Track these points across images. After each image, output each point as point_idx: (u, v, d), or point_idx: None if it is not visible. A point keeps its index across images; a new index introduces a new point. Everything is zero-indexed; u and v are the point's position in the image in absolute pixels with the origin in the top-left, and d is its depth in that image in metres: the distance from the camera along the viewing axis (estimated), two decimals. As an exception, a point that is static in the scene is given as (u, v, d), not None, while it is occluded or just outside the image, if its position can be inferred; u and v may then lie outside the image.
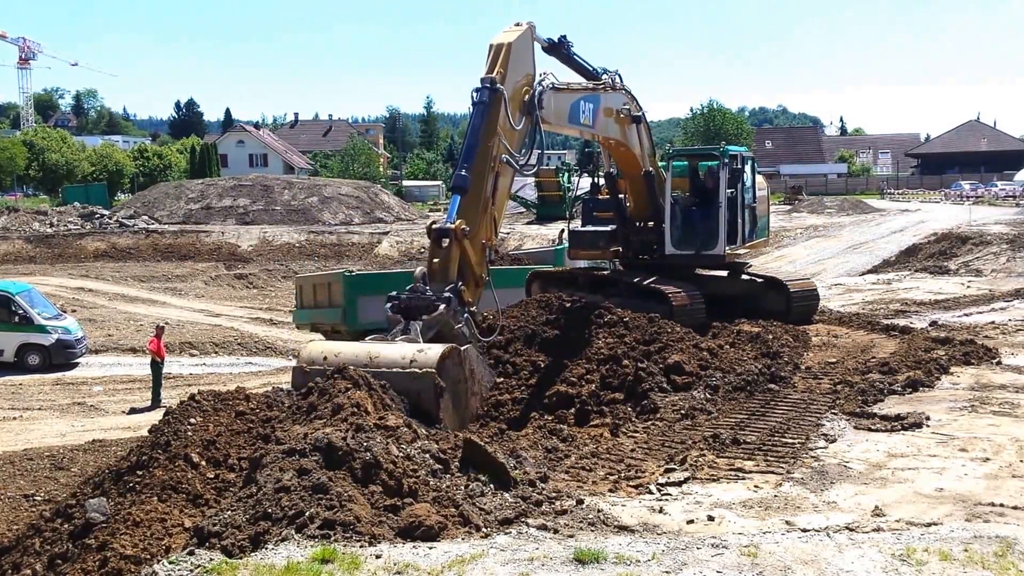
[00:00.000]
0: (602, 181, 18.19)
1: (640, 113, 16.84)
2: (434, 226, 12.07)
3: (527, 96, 12.94)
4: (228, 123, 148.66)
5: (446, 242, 11.71)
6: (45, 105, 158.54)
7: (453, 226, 11.62)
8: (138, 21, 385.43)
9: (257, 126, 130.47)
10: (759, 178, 18.97)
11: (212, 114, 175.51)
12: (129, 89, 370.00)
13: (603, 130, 15.79)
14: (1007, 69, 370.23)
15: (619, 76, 16.27)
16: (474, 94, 12.28)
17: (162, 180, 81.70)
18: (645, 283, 16.36)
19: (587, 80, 15.61)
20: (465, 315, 11.86)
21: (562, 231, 40.98)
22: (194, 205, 62.10)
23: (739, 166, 17.27)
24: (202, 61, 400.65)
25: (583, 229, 18.44)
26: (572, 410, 12.29)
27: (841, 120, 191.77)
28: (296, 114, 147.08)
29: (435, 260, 11.83)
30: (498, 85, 12.22)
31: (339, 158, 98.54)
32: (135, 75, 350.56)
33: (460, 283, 11.71)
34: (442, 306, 11.30)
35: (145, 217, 59.07)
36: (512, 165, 12.77)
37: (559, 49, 14.87)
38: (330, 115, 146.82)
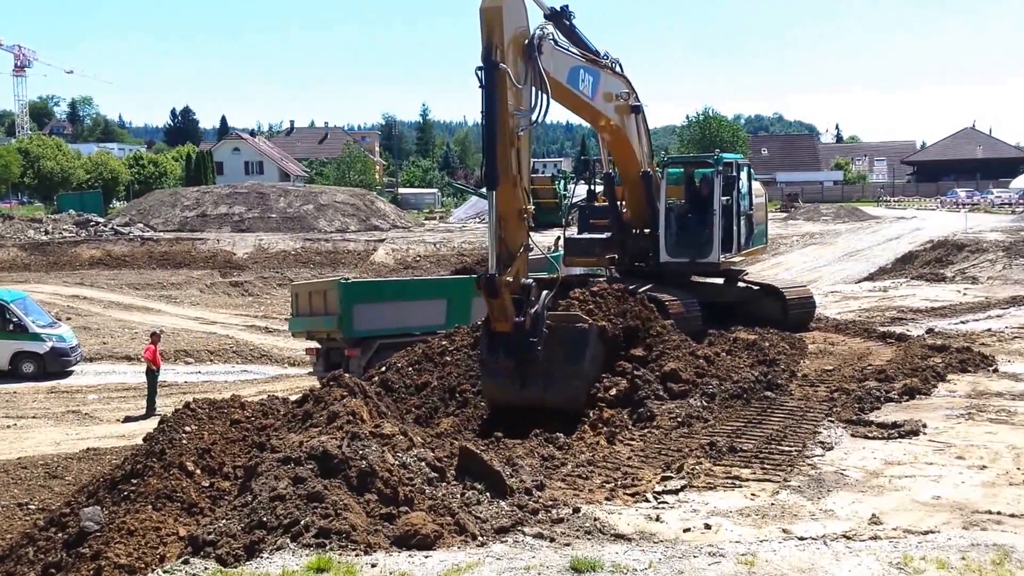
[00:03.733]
0: (600, 188, 18.16)
1: (639, 104, 16.58)
2: (482, 280, 12.01)
3: (526, 41, 12.47)
4: (224, 131, 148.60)
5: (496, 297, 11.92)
6: (40, 113, 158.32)
7: (497, 281, 11.76)
8: (134, 29, 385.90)
9: (253, 134, 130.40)
10: (756, 185, 18.97)
11: (208, 122, 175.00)
12: (125, 97, 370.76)
13: (602, 106, 15.45)
14: (1003, 76, 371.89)
15: (619, 65, 16.08)
16: (478, 73, 11.98)
17: (157, 188, 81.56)
18: (641, 291, 16.35)
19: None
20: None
21: (558, 238, 40.89)
22: (189, 213, 62.01)
23: (734, 173, 17.25)
24: (198, 69, 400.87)
25: (579, 236, 18.44)
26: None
27: (837, 127, 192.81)
28: (292, 122, 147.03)
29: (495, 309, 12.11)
30: (500, 64, 11.78)
31: (335, 166, 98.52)
32: (131, 83, 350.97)
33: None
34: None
35: (140, 225, 58.96)
36: (529, 128, 12.62)
37: (560, 19, 14.42)
38: (326, 123, 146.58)
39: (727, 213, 16.98)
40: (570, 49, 14.42)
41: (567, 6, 14.56)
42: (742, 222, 17.45)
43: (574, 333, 12.80)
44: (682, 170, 18.42)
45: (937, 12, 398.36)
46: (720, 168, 16.83)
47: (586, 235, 18.31)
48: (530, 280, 12.43)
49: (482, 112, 12.05)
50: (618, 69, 16.07)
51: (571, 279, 18.88)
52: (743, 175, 17.63)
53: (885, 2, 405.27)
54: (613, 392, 12.51)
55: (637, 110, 16.57)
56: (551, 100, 12.88)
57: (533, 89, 12.56)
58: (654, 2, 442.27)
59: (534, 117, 12.63)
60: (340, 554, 6.59)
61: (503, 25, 11.85)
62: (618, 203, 17.70)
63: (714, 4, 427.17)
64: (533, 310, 12.18)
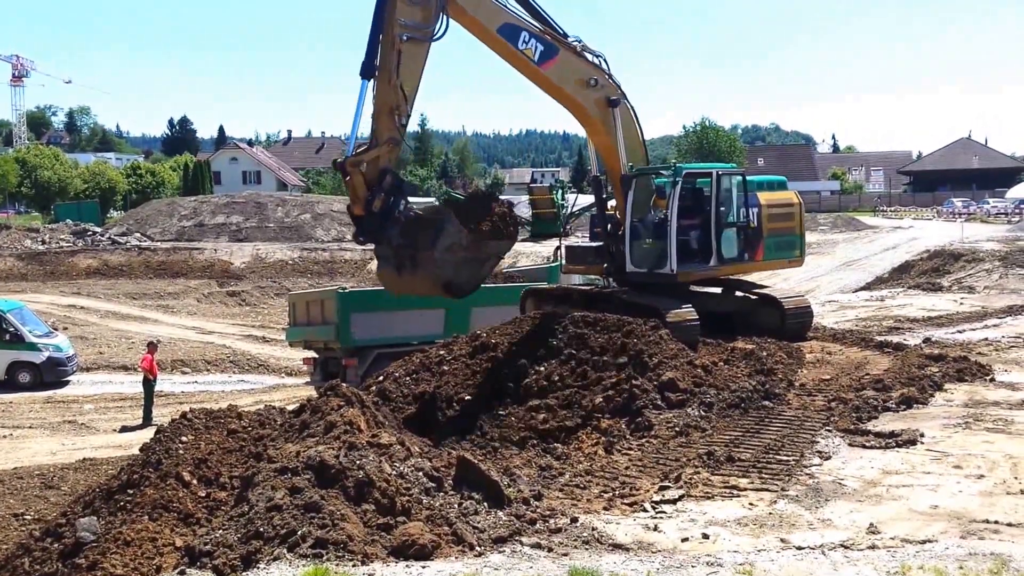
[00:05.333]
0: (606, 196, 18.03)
1: (617, 97, 16.45)
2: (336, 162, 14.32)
3: None
4: (221, 140, 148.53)
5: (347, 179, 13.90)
6: (38, 123, 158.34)
7: (347, 161, 13.61)
8: (132, 39, 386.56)
9: (250, 143, 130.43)
10: (786, 193, 18.57)
11: (205, 131, 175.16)
12: (122, 107, 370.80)
13: (557, 77, 15.78)
14: (999, 87, 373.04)
15: (604, 60, 16.33)
16: None
17: (155, 197, 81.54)
18: (639, 300, 16.35)
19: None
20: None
21: (557, 248, 40.97)
22: (187, 222, 61.98)
23: (713, 183, 16.72)
24: (195, 79, 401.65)
25: (576, 244, 18.45)
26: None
27: (833, 138, 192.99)
28: (289, 131, 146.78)
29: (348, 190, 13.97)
30: None
31: (332, 175, 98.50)
32: (128, 93, 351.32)
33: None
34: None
35: (137, 234, 58.92)
36: (417, 37, 13.89)
37: None
38: (323, 132, 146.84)
39: (703, 224, 16.80)
40: (519, 13, 15.33)
41: None
42: (728, 233, 17.12)
43: (433, 218, 14.08)
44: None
45: (933, 22, 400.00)
46: (677, 179, 16.44)
47: (582, 243, 18.28)
48: (387, 167, 13.74)
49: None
50: (590, 58, 16.21)
51: (570, 289, 18.92)
52: (732, 185, 17.23)
53: (881, 14, 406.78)
54: (600, 399, 12.51)
55: (615, 103, 16.44)
56: (489, 48, 14.92)
57: (441, 15, 14.12)
58: (652, 14, 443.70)
59: (425, 33, 14.00)
60: (337, 564, 6.57)
61: None
62: (607, 209, 17.61)
63: (712, 16, 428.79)
64: (393, 199, 13.61)
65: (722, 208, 17.03)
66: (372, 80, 13.76)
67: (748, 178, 17.71)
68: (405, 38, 13.74)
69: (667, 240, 16.32)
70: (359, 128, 13.87)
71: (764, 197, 17.94)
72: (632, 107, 17.02)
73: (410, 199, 14.49)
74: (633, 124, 17.11)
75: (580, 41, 16.14)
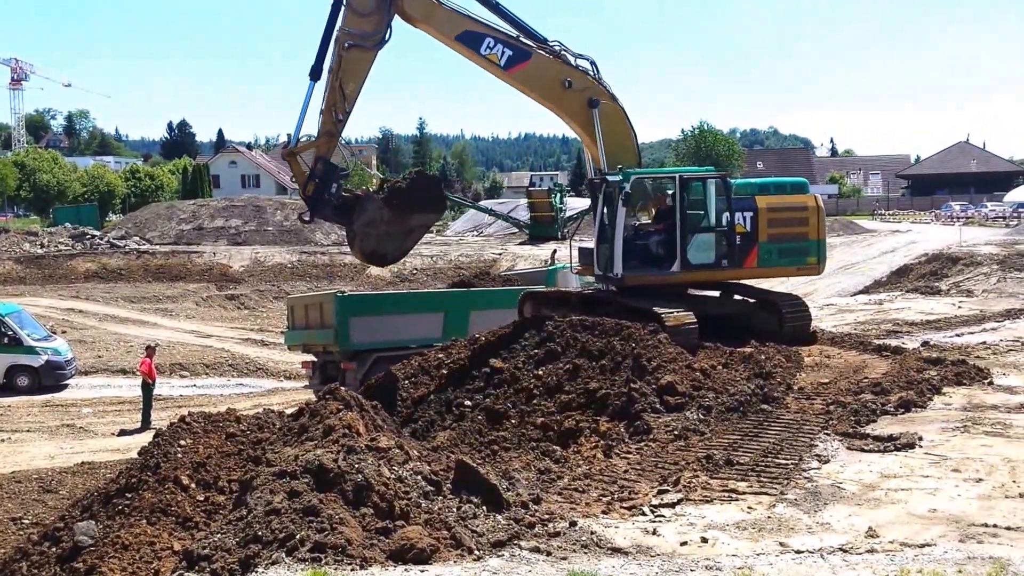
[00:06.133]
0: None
1: (597, 100, 16.65)
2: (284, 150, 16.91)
3: None
4: (220, 144, 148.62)
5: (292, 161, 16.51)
6: (37, 126, 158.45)
7: (289, 149, 16.31)
8: (131, 42, 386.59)
9: (250, 147, 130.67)
10: (799, 197, 17.86)
11: (204, 135, 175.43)
12: (121, 110, 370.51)
13: (526, 80, 16.56)
14: (997, 90, 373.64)
15: (592, 63, 16.77)
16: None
17: (154, 201, 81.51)
18: (637, 303, 16.35)
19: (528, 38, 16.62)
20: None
21: (555, 251, 40.91)
22: (186, 226, 61.96)
23: (674, 188, 16.59)
24: (195, 82, 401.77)
25: (585, 245, 18.41)
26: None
27: (832, 141, 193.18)
28: (288, 135, 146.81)
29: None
30: None
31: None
32: (128, 96, 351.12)
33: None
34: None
35: (136, 238, 58.89)
36: (361, 45, 15.81)
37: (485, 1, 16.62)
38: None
39: (671, 228, 16.59)
40: (489, 20, 16.48)
41: None
42: (702, 238, 16.85)
43: (358, 199, 16.50)
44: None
45: (933, 28, 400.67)
46: (622, 185, 16.33)
47: (589, 244, 18.26)
48: (321, 156, 16.12)
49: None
50: (573, 60, 16.64)
51: (569, 292, 18.91)
52: (709, 189, 16.89)
53: (880, 18, 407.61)
54: (598, 403, 12.50)
55: (594, 104, 16.64)
56: (464, 55, 16.28)
57: (388, 26, 15.88)
58: (652, 19, 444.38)
59: (372, 41, 15.85)
60: (336, 568, 6.57)
61: None
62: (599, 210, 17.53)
63: (712, 20, 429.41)
64: (326, 184, 16.08)
65: (692, 212, 16.76)
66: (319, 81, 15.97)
67: (764, 180, 17.58)
68: (348, 45, 15.71)
69: (611, 244, 16.32)
70: (303, 125, 16.39)
71: (765, 201, 17.47)
72: (623, 109, 17.10)
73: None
74: (621, 126, 17.15)
75: (560, 44, 16.67)
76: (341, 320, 21.15)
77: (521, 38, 16.50)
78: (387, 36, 15.92)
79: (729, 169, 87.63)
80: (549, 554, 7.44)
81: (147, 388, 22.24)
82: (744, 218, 17.24)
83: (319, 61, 15.80)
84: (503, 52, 16.26)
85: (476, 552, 7.38)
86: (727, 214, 16.84)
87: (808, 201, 17.78)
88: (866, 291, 34.88)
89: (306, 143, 16.17)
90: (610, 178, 16.46)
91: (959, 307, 25.91)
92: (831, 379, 14.43)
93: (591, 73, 16.81)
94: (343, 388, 10.55)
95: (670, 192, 16.80)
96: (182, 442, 10.04)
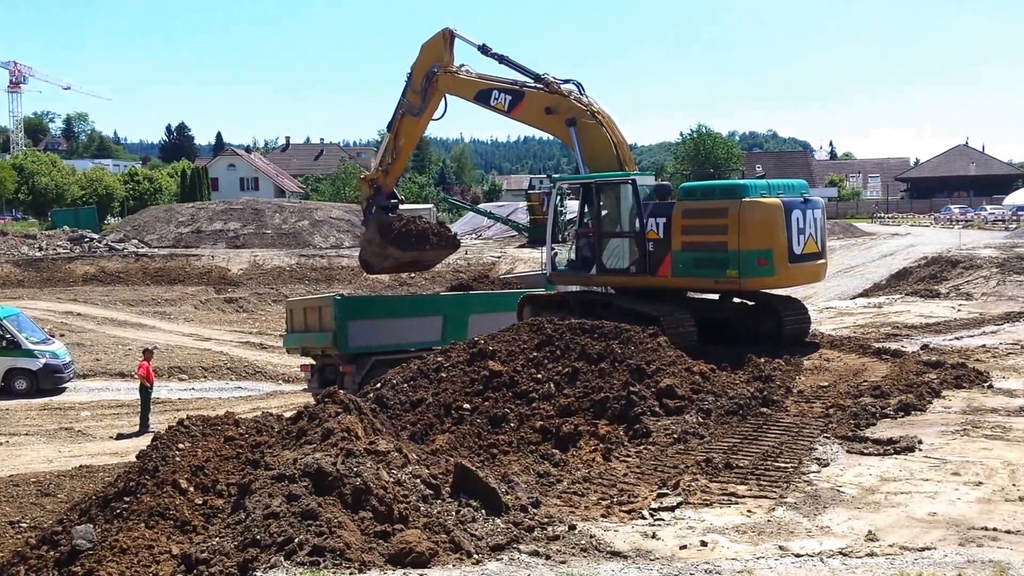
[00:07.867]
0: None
1: (574, 116, 18.45)
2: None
3: (427, 72, 21.10)
4: (219, 147, 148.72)
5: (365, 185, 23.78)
6: (35, 129, 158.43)
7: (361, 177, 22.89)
8: (130, 45, 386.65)
9: (248, 150, 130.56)
10: (723, 201, 16.15)
11: (203, 138, 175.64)
12: (120, 113, 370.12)
13: (525, 116, 19.80)
14: (996, 93, 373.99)
15: (578, 85, 19.02)
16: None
17: (152, 204, 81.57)
18: (636, 306, 16.36)
19: (529, 79, 19.67)
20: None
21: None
22: (184, 229, 61.94)
23: (607, 193, 17.27)
24: (194, 85, 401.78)
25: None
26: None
27: (831, 144, 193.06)
28: (287, 138, 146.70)
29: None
30: (409, 72, 21.65)
31: (330, 182, 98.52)
32: (126, 99, 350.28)
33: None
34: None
35: (135, 241, 58.85)
36: (412, 114, 21.80)
37: (487, 53, 20.49)
38: (321, 139, 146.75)
39: (594, 233, 17.29)
40: (484, 77, 20.58)
41: (485, 44, 20.70)
42: (614, 243, 17.11)
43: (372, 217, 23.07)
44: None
45: (932, 30, 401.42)
46: (550, 188, 17.80)
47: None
48: (374, 184, 23.21)
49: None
50: (559, 87, 18.91)
51: (568, 295, 18.93)
52: (624, 194, 16.98)
53: (879, 20, 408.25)
54: (597, 406, 12.52)
55: (571, 123, 18.47)
56: (483, 107, 20.23)
57: (441, 101, 21.44)
58: (650, 21, 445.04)
59: (424, 116, 21.74)
60: (334, 572, 6.56)
61: (421, 57, 21.39)
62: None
63: (711, 24, 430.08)
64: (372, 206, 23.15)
65: (632, 218, 16.90)
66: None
67: (697, 184, 18.19)
68: (401, 113, 22.02)
69: (546, 248, 18.30)
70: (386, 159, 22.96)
71: (682, 206, 16.40)
72: (601, 118, 18.39)
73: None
74: (599, 139, 18.26)
75: (547, 75, 19.21)
76: (340, 323, 21.14)
77: (518, 81, 19.79)
78: (443, 113, 21.58)
79: (727, 171, 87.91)
80: (548, 558, 7.42)
81: (145, 391, 22.20)
82: (657, 224, 16.44)
83: (393, 118, 22.31)
84: (506, 99, 19.85)
85: (475, 556, 7.36)
86: (638, 220, 16.74)
87: (729, 206, 15.73)
88: (865, 294, 34.89)
89: (369, 174, 23.98)
90: (541, 186, 18.62)
91: (958, 310, 25.91)
92: (830, 382, 14.43)
93: (575, 94, 18.84)
94: (342, 391, 10.53)
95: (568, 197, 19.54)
96: (180, 445, 10.03)
